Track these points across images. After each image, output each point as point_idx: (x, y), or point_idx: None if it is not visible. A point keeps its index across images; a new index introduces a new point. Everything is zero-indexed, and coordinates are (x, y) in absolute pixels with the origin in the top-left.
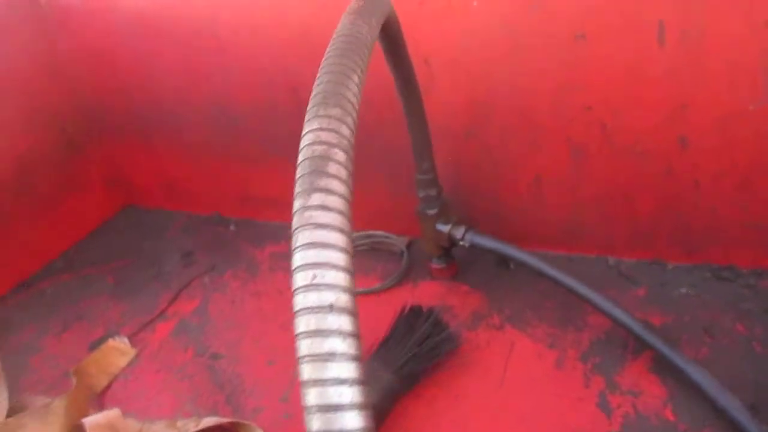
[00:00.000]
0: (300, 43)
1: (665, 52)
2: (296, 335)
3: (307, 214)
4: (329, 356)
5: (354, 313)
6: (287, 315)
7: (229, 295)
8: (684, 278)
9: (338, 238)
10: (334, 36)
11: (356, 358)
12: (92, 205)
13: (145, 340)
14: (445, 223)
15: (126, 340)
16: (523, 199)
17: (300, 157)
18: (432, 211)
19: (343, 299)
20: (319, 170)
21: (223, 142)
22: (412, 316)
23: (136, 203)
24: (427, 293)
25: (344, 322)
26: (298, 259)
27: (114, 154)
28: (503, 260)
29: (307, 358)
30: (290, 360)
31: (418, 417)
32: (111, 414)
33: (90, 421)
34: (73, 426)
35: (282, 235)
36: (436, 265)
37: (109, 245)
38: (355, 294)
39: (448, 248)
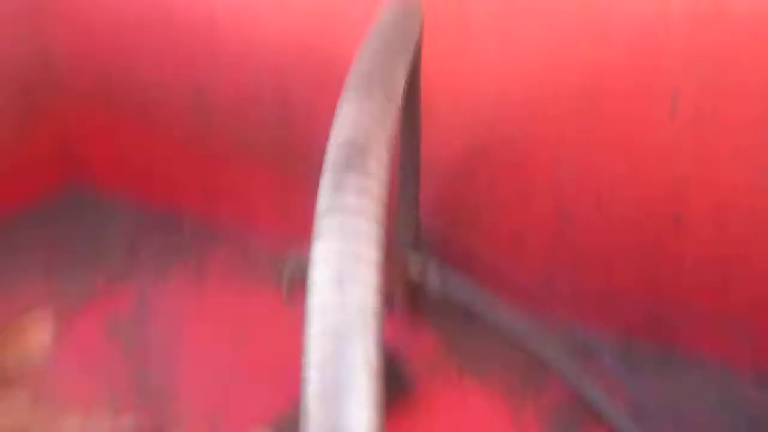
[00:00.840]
0: (297, 49)
1: (674, 126)
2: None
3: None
4: None
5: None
6: (233, 326)
7: (172, 295)
8: (651, 359)
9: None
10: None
11: None
12: (39, 179)
13: (70, 327)
14: (415, 258)
15: (47, 319)
16: (500, 249)
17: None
18: (406, 240)
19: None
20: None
21: (195, 130)
22: None
23: (87, 184)
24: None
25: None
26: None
27: (74, 126)
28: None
29: None
30: (228, 379)
31: None
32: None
33: None
34: None
35: (240, 241)
36: (399, 304)
37: (49, 224)
38: None
39: (413, 288)
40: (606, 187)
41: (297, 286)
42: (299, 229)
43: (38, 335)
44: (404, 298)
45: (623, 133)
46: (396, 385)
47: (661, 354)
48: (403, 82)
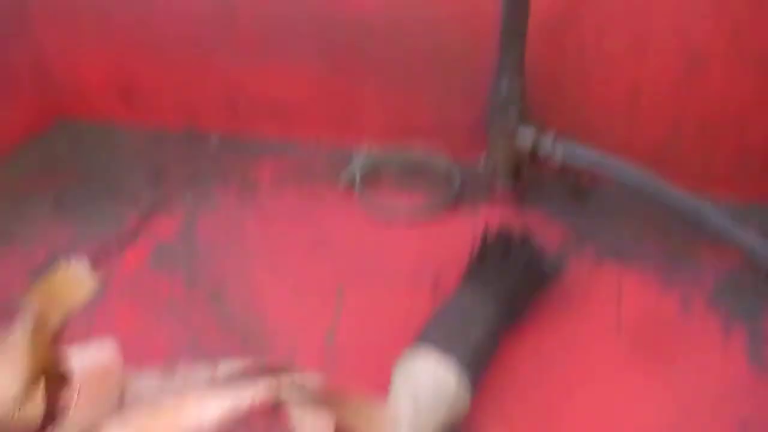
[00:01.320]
0: None
1: None
2: None
3: None
4: None
5: None
6: (309, 240)
7: (222, 215)
8: None
9: None
10: None
11: None
12: (20, 112)
13: (109, 268)
14: (527, 129)
15: (84, 264)
16: (613, 111)
17: None
18: (512, 112)
19: None
20: None
21: (212, 30)
22: (502, 242)
23: (78, 112)
24: (493, 221)
25: None
26: None
27: (54, 44)
28: (579, 189)
29: None
30: (328, 291)
31: (523, 369)
32: (104, 349)
33: (78, 359)
34: (45, 364)
35: (286, 151)
36: (502, 186)
37: (45, 161)
38: None
39: (520, 165)
40: (744, 20)
41: (365, 182)
42: (347, 126)
43: (76, 288)
44: (508, 185)
45: None
46: (547, 273)
47: None
48: None
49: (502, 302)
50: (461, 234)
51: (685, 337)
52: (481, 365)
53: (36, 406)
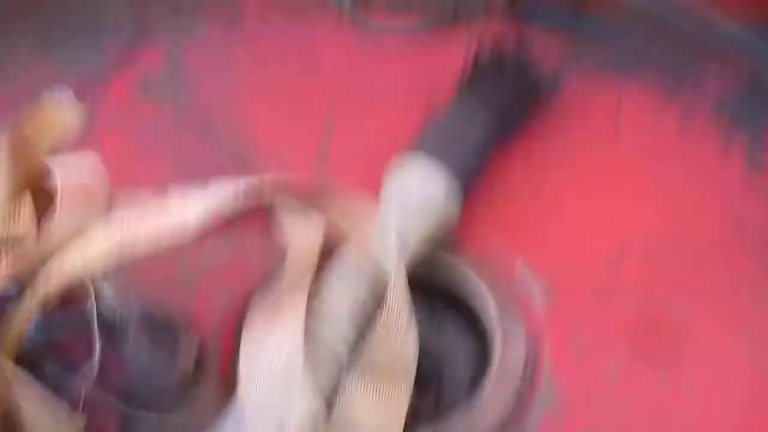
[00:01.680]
0: None
1: None
2: None
3: None
4: None
5: None
6: (299, 65)
7: (208, 43)
8: None
9: None
10: None
11: None
12: None
13: (96, 97)
14: None
15: (69, 96)
16: None
17: None
18: None
19: None
20: None
21: None
22: (497, 57)
23: None
24: (488, 38)
25: None
26: None
27: None
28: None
29: None
30: (319, 111)
31: (516, 177)
32: (87, 159)
33: (60, 165)
34: (31, 181)
35: None
36: (499, 1)
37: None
38: None
39: None
40: None
41: (356, 4)
42: None
43: (64, 118)
44: None
45: None
46: (542, 81)
47: None
48: None
49: (495, 114)
50: (456, 53)
51: (683, 145)
52: (473, 172)
53: (24, 221)
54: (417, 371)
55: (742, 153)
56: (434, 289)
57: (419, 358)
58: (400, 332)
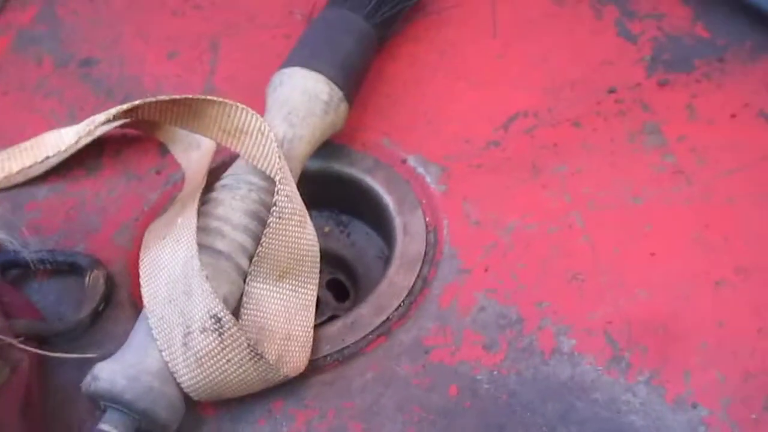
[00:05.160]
0: None
1: None
2: None
3: None
4: None
5: None
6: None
7: None
8: None
9: None
10: None
11: None
12: None
13: None
14: None
15: None
16: None
17: None
18: None
19: None
20: None
21: None
22: None
23: None
24: None
25: None
26: None
27: None
28: None
29: None
30: (201, 44)
31: (401, 79)
32: None
33: None
34: None
35: None
36: None
37: None
38: None
39: None
40: None
41: None
42: None
43: None
44: None
45: None
46: None
47: None
48: None
49: (371, 14)
50: None
51: (557, 25)
52: (355, 74)
53: None
54: (335, 280)
55: (612, 25)
56: (339, 202)
57: (335, 266)
58: (293, 231)
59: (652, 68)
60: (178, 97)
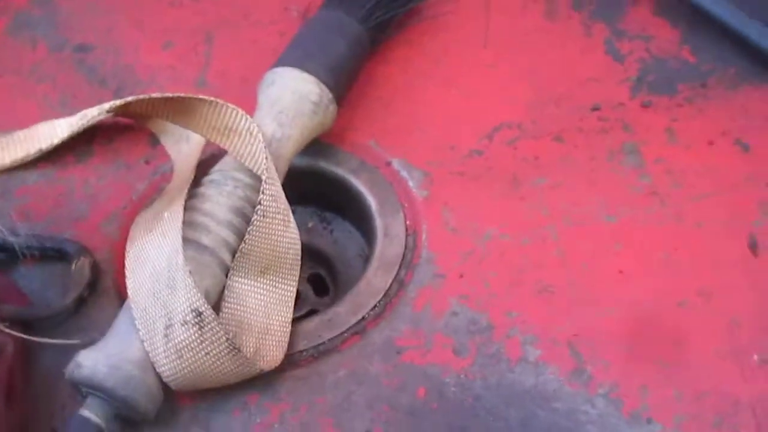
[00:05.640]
0: None
1: None
2: None
3: None
4: None
5: None
6: None
7: None
8: None
9: None
10: None
11: None
12: None
13: None
14: None
15: None
16: None
17: None
18: None
19: None
20: None
21: None
22: None
23: None
24: None
25: None
26: None
27: None
28: None
29: None
30: (196, 37)
31: (392, 83)
32: None
33: None
34: None
35: None
36: None
37: None
38: None
39: None
40: None
41: None
42: None
43: None
44: None
45: None
46: None
47: None
48: None
49: (366, 17)
50: None
51: (548, 40)
52: (346, 77)
53: None
54: (316, 275)
55: (602, 42)
56: (323, 199)
57: (316, 261)
58: (276, 229)
59: (636, 89)
60: (170, 95)
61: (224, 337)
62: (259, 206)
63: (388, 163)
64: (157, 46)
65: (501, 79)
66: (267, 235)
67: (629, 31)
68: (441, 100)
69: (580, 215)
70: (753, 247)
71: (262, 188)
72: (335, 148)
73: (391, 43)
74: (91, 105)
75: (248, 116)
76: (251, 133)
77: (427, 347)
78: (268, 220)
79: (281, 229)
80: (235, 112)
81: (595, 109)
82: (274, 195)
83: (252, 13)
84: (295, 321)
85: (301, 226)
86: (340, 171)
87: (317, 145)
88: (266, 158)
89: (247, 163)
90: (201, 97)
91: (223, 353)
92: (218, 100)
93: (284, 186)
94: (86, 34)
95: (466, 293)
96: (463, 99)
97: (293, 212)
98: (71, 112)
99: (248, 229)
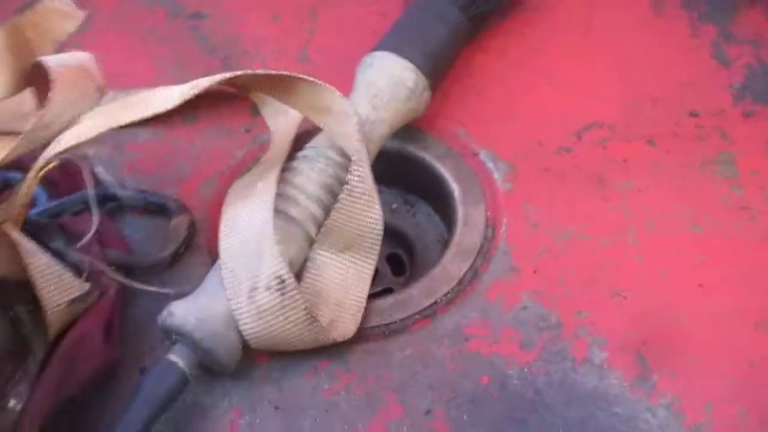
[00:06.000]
0: None
1: None
2: None
3: None
4: None
5: None
6: None
7: None
8: None
9: None
10: None
11: None
12: None
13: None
14: None
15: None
16: None
17: None
18: None
19: None
20: None
21: None
22: None
23: None
24: None
25: None
26: None
27: None
28: None
29: None
30: (302, 12)
31: (487, 72)
32: (81, 56)
33: (55, 60)
34: (23, 68)
35: None
36: None
37: None
38: None
39: None
40: None
41: None
42: None
43: (64, 20)
44: None
45: None
46: None
47: None
48: None
49: (467, 5)
50: None
51: (651, 36)
52: (442, 64)
53: (25, 111)
54: (395, 254)
55: (708, 46)
56: (409, 183)
57: (396, 241)
58: (361, 209)
59: (739, 96)
60: (274, 72)
61: (303, 305)
62: (346, 186)
63: (476, 153)
64: (265, 18)
65: (598, 75)
66: (352, 214)
67: (739, 34)
68: (534, 93)
69: (665, 222)
70: None
71: (351, 168)
72: (425, 133)
73: (489, 32)
74: (201, 71)
75: (344, 98)
76: (346, 115)
77: (494, 338)
78: (353, 199)
79: (365, 209)
80: (331, 93)
81: (693, 114)
82: (362, 176)
83: None
84: (371, 297)
85: (385, 206)
86: (427, 156)
87: (408, 129)
88: (358, 140)
89: (339, 143)
90: (301, 76)
91: (300, 320)
92: (317, 81)
93: (373, 167)
94: (201, 2)
95: (538, 288)
96: (556, 93)
97: (379, 192)
98: (182, 75)
99: (335, 206)
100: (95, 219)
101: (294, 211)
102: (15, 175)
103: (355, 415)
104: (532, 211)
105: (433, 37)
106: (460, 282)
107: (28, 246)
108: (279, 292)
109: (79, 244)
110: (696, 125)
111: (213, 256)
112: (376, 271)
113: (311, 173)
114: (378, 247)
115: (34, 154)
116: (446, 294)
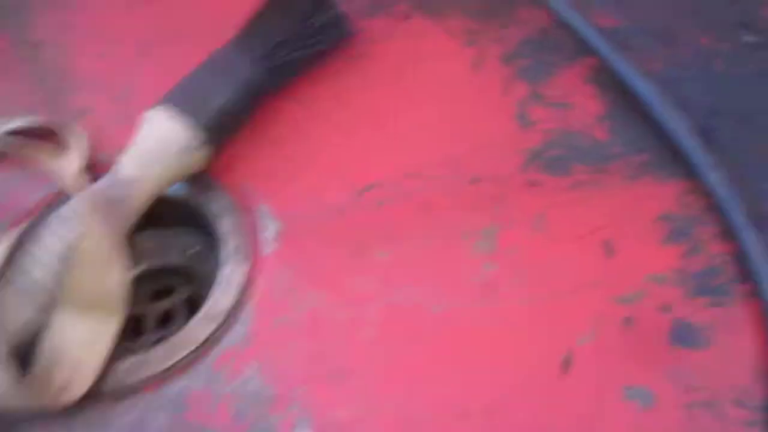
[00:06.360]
0: None
1: None
2: None
3: None
4: None
5: None
6: None
7: None
8: None
9: None
10: None
11: None
12: None
13: None
14: None
15: None
16: None
17: None
18: None
19: None
20: None
21: None
22: None
23: None
24: None
25: None
26: None
27: None
28: None
29: None
30: (131, 49)
31: (289, 124)
32: None
33: None
34: None
35: None
36: None
37: None
38: None
39: None
40: None
41: None
42: None
43: None
44: None
45: None
46: (329, 26)
47: None
48: None
49: (267, 57)
50: None
51: (467, 92)
52: (227, 118)
53: None
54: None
55: (513, 105)
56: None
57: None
58: (97, 269)
59: (529, 163)
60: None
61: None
62: (80, 248)
63: (253, 210)
64: (101, 52)
65: (399, 132)
66: (86, 276)
67: (550, 96)
68: (331, 147)
69: (406, 299)
70: (566, 364)
71: (81, 230)
72: (213, 183)
73: (304, 79)
74: (28, 105)
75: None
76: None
77: (212, 409)
78: (88, 261)
79: (102, 270)
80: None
81: (475, 180)
82: (93, 236)
83: (193, 32)
84: (114, 358)
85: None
86: (210, 209)
87: (200, 178)
88: (86, 202)
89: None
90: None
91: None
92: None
93: (163, 212)
94: (45, 30)
95: (265, 360)
96: (352, 148)
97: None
98: (10, 110)
99: (71, 268)
100: None
101: (37, 273)
102: None
103: None
104: (287, 277)
105: (215, 91)
106: (198, 347)
107: None
108: None
109: None
110: (476, 193)
111: None
112: (141, 324)
113: (58, 232)
114: (122, 307)
115: None
116: (182, 359)
